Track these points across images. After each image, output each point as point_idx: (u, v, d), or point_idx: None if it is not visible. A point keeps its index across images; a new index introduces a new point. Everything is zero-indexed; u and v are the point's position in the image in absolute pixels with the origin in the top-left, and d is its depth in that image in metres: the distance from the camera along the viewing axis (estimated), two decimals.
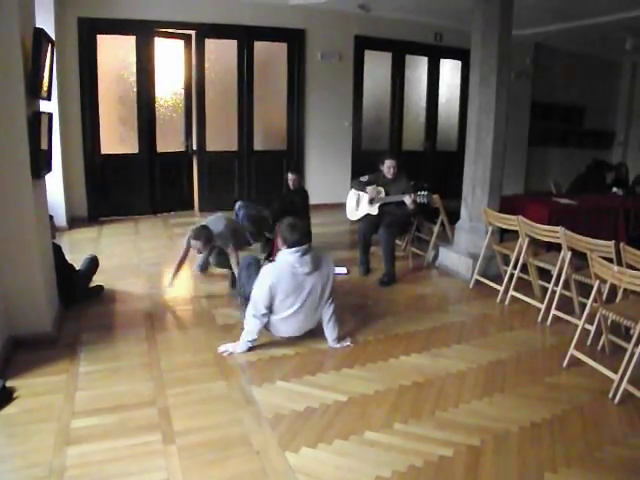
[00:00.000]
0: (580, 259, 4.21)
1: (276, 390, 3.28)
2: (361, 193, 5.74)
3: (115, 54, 7.65)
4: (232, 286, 4.94)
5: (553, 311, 4.37)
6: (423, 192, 5.35)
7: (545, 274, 4.82)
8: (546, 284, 4.65)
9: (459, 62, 10.08)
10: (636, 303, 3.59)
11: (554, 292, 4.40)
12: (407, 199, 5.33)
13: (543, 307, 4.49)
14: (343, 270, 5.57)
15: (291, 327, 3.79)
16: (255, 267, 4.07)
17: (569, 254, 4.23)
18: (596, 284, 3.55)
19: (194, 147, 8.46)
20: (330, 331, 3.84)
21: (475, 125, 5.52)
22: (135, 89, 7.80)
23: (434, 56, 9.95)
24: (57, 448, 2.62)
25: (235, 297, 4.60)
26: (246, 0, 8.04)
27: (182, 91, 8.27)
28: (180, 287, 5.23)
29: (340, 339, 3.89)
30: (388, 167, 5.61)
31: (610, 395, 3.26)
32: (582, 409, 3.15)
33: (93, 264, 4.95)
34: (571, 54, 11.16)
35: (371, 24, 8.98)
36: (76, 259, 5.00)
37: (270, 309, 3.66)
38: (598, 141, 12.26)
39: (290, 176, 6.35)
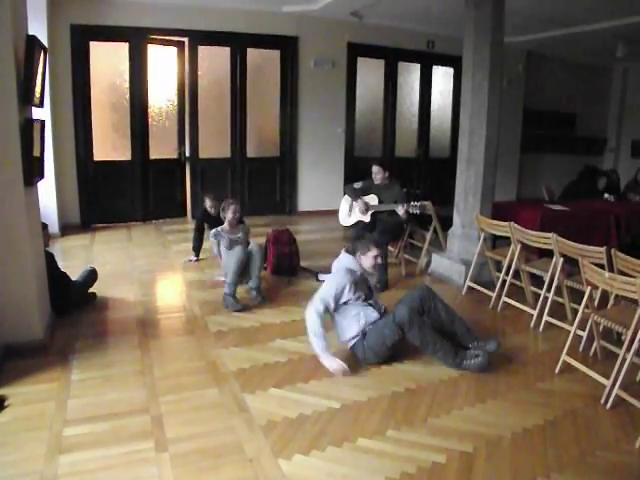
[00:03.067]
0: (572, 265, 4.23)
1: (269, 397, 3.27)
2: (353, 201, 5.75)
3: (108, 61, 7.66)
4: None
5: (545, 317, 4.38)
6: (416, 203, 5.35)
7: (537, 280, 4.84)
8: (538, 290, 4.67)
9: (451, 69, 10.15)
10: (627, 309, 3.60)
11: (546, 298, 4.41)
12: (400, 209, 5.34)
13: (535, 313, 4.50)
14: None
15: None
16: None
17: (561, 260, 4.25)
18: (588, 290, 3.57)
19: (187, 154, 8.47)
20: None
21: (467, 132, 5.55)
22: (128, 96, 7.81)
23: (426, 63, 10.02)
24: (49, 456, 2.61)
25: None
26: (239, 7, 8.07)
27: (175, 98, 8.28)
28: (172, 294, 5.23)
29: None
30: (375, 173, 5.65)
31: (602, 400, 3.27)
32: (574, 415, 3.16)
33: (91, 276, 4.90)
34: (562, 61, 11.24)
35: (364, 31, 9.03)
36: (68, 266, 4.98)
37: None
38: (590, 147, 12.35)
39: (208, 202, 6.15)
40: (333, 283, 3.73)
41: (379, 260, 3.93)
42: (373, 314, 3.76)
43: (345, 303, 3.74)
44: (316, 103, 9.00)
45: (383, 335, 3.62)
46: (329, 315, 3.73)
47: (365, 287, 3.91)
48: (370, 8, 8.09)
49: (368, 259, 3.83)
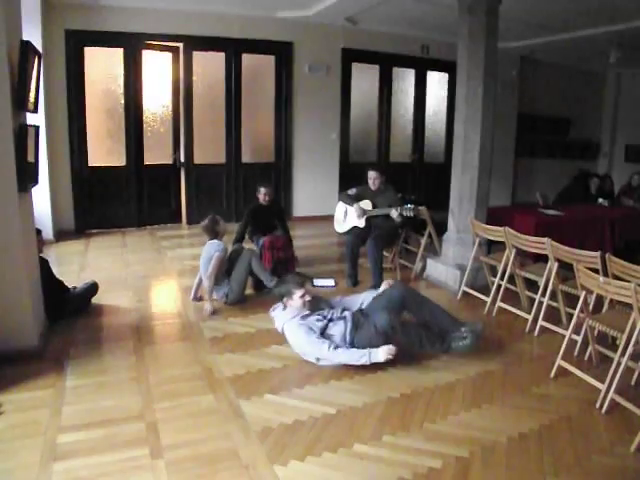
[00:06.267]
0: (567, 270, 4.24)
1: (264, 403, 3.26)
2: (349, 206, 5.76)
3: (103, 66, 7.65)
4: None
5: (540, 322, 4.39)
6: (410, 205, 5.36)
7: (532, 285, 4.86)
8: (533, 295, 4.68)
9: (446, 74, 10.18)
10: (622, 313, 3.61)
11: (541, 303, 4.43)
12: (394, 212, 5.35)
13: (530, 318, 4.51)
14: (331, 282, 5.58)
15: None
16: None
17: (556, 265, 4.27)
18: (582, 295, 3.58)
19: (182, 160, 8.44)
20: None
21: (462, 137, 5.56)
22: (123, 101, 7.80)
23: (421, 68, 10.04)
24: (43, 464, 2.59)
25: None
26: (234, 13, 8.07)
27: (170, 103, 8.26)
28: (167, 300, 5.21)
29: None
30: (372, 179, 5.66)
31: (597, 405, 3.28)
32: (570, 419, 3.16)
33: (92, 289, 4.87)
34: (556, 66, 11.29)
35: (358, 37, 9.05)
36: (63, 272, 4.98)
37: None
38: (584, 152, 12.41)
39: (263, 190, 5.95)
40: (303, 336, 3.74)
41: (307, 297, 3.96)
42: (339, 329, 3.79)
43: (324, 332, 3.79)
44: (311, 108, 9.00)
45: (371, 343, 3.66)
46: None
47: (318, 307, 4.04)
48: (365, 13, 8.10)
49: (296, 302, 3.93)
